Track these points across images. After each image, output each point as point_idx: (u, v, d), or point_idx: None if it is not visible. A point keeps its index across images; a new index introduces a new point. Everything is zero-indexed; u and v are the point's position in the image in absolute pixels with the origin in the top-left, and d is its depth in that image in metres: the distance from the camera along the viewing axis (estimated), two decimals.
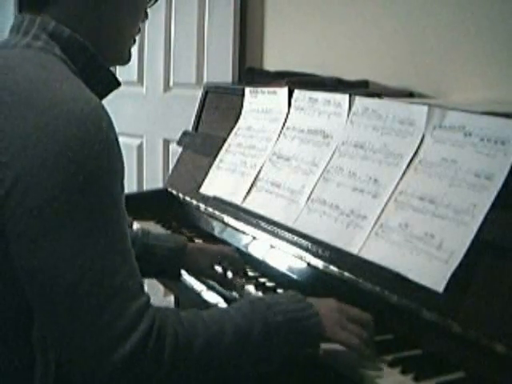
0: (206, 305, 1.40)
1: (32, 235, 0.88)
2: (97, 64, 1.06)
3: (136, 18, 1.12)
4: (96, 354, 0.87)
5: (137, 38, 1.15)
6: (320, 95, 1.55)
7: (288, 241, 1.42)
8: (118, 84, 1.11)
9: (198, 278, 1.46)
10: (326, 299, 1.09)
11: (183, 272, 1.47)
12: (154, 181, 2.81)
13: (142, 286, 0.93)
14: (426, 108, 1.26)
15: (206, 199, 1.77)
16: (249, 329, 0.96)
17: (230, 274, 1.44)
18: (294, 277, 1.40)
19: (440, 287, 1.06)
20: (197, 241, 1.71)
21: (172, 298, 2.20)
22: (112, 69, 1.10)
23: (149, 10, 1.16)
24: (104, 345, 0.87)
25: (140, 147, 2.91)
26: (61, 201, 0.87)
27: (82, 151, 0.87)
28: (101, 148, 0.89)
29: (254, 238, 1.55)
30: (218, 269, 1.45)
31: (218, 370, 0.95)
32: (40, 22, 1.02)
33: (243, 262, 1.48)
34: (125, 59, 1.14)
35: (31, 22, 1.03)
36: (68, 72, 0.98)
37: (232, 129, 1.82)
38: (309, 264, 1.35)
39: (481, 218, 1.07)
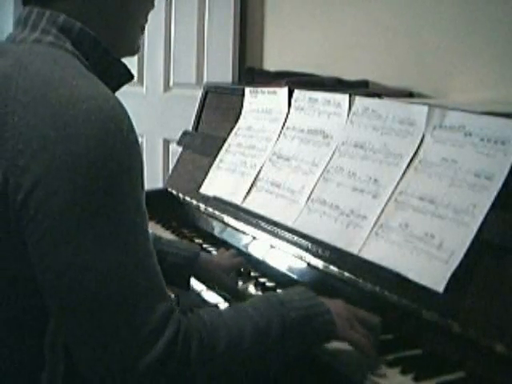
0: (206, 305, 1.40)
1: (53, 240, 0.85)
2: (109, 57, 1.02)
3: (144, 8, 1.08)
4: (123, 360, 0.86)
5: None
6: (320, 95, 1.55)
7: (288, 241, 1.42)
8: (132, 76, 1.08)
9: (207, 286, 1.43)
10: (333, 299, 1.09)
11: None
12: (154, 181, 2.81)
13: (165, 289, 0.92)
14: (426, 108, 1.26)
15: (205, 199, 1.76)
16: (267, 326, 0.96)
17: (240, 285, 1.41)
18: (294, 277, 1.40)
19: (440, 287, 1.06)
20: (197, 241, 1.71)
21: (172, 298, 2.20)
22: None
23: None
24: (131, 351, 0.85)
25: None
26: (82, 204, 0.84)
27: (102, 152, 0.85)
28: (122, 148, 0.86)
29: (254, 238, 1.55)
30: (230, 280, 1.42)
31: (240, 368, 0.95)
32: (49, 15, 0.98)
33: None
34: (135, 50, 1.10)
35: (39, 15, 0.98)
36: (82, 68, 0.95)
37: (232, 129, 1.82)
38: (309, 264, 1.35)
39: (481, 218, 1.07)
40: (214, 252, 1.63)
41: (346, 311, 1.06)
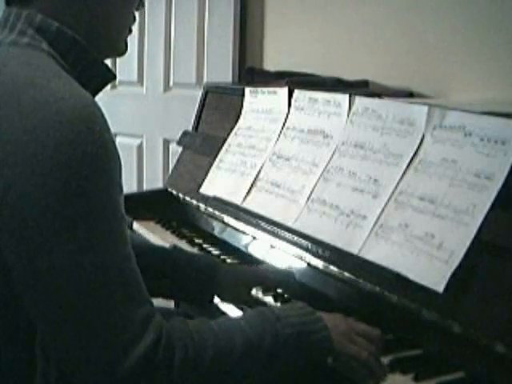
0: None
1: (28, 247, 0.83)
2: (89, 58, 0.99)
3: (129, 7, 1.05)
4: (102, 367, 0.85)
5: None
6: (320, 95, 1.55)
7: (288, 241, 1.42)
8: (113, 76, 1.05)
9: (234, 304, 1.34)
10: (332, 314, 1.08)
11: None
12: (154, 181, 2.81)
13: (145, 293, 0.90)
14: (425, 108, 1.26)
15: (205, 199, 1.76)
16: (258, 341, 0.95)
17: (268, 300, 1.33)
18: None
19: (440, 287, 1.06)
20: (197, 241, 1.71)
21: None
22: (111, 66, 1.05)
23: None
24: (110, 357, 0.84)
25: (140, 147, 2.91)
26: (55, 209, 0.82)
27: (74, 155, 0.82)
28: (95, 150, 0.84)
29: (254, 238, 1.55)
30: (257, 294, 1.34)
31: (226, 381, 0.93)
32: (26, 16, 0.96)
33: (293, 283, 1.33)
34: (120, 50, 1.07)
35: (17, 16, 0.96)
36: (57, 68, 0.93)
37: (232, 129, 1.82)
38: (309, 264, 1.35)
39: (481, 218, 1.07)
40: (215, 252, 1.63)
41: (344, 326, 1.05)
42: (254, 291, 1.34)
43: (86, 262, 0.84)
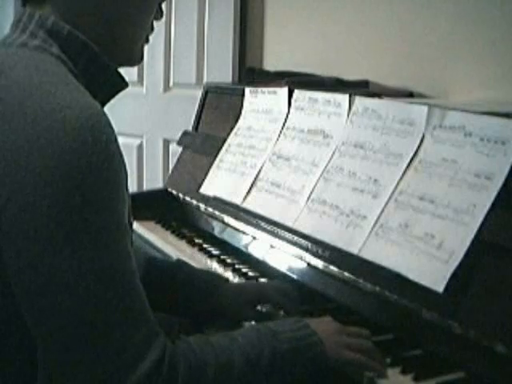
0: None
1: (28, 258, 0.81)
2: (100, 64, 0.97)
3: (147, 15, 1.03)
4: None
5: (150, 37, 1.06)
6: (320, 95, 1.54)
7: (288, 241, 1.42)
8: (126, 84, 1.02)
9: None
10: (322, 319, 1.08)
11: None
12: (154, 181, 2.81)
13: (149, 309, 0.88)
14: (426, 108, 1.26)
15: (206, 199, 1.76)
16: (257, 357, 0.94)
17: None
18: (294, 277, 1.40)
19: (440, 287, 1.06)
20: (197, 241, 1.71)
21: None
22: None
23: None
24: (113, 375, 0.82)
25: (140, 147, 2.91)
26: (58, 221, 0.80)
27: (78, 165, 0.80)
28: (100, 160, 0.81)
29: (254, 238, 1.55)
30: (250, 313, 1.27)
31: None
32: (38, 17, 0.93)
33: (296, 299, 1.28)
34: (135, 60, 1.04)
35: (30, 17, 0.94)
36: (66, 74, 0.90)
37: (232, 129, 1.82)
38: (309, 264, 1.35)
39: (481, 218, 1.07)
40: (215, 252, 1.63)
41: (336, 332, 1.05)
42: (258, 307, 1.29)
43: (87, 274, 0.81)
